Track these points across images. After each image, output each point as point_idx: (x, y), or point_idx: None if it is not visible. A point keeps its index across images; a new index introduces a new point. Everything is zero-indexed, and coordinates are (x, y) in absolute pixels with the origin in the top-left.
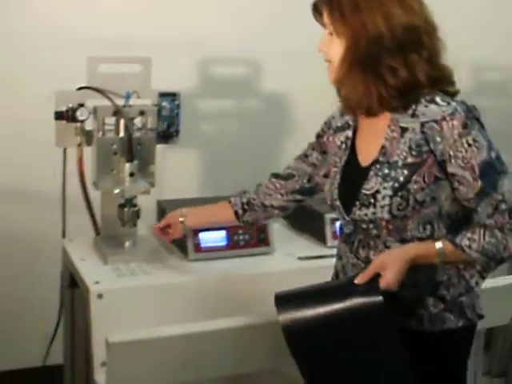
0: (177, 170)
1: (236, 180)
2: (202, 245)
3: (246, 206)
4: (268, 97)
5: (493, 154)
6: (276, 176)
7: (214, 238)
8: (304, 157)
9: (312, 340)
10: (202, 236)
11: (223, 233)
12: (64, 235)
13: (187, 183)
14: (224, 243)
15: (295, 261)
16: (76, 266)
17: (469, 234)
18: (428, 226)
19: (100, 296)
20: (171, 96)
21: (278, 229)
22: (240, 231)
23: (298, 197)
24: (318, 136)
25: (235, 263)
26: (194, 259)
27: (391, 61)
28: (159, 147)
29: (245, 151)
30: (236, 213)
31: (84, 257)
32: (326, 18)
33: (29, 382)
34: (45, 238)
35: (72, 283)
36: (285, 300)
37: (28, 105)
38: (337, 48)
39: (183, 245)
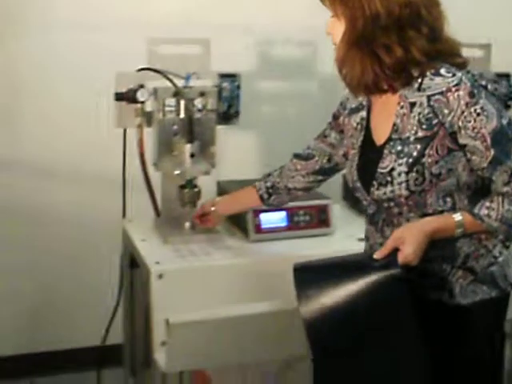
0: (236, 151)
1: None
2: (263, 226)
3: (270, 190)
4: (326, 79)
5: (504, 121)
6: (297, 156)
7: (274, 219)
8: (323, 137)
9: (333, 323)
10: (263, 217)
11: (283, 213)
12: (124, 216)
13: (247, 164)
14: (284, 224)
15: (356, 242)
16: (136, 247)
17: (487, 203)
18: (448, 199)
19: (160, 276)
20: (231, 77)
21: (338, 210)
22: (300, 212)
23: (320, 177)
24: (335, 116)
25: (295, 244)
26: (255, 240)
27: (386, 39)
28: (219, 128)
29: (304, 132)
30: (261, 197)
31: (144, 237)
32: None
33: (88, 360)
34: (105, 219)
35: (132, 263)
36: (304, 277)
37: (88, 86)
38: (339, 30)
39: (244, 225)
